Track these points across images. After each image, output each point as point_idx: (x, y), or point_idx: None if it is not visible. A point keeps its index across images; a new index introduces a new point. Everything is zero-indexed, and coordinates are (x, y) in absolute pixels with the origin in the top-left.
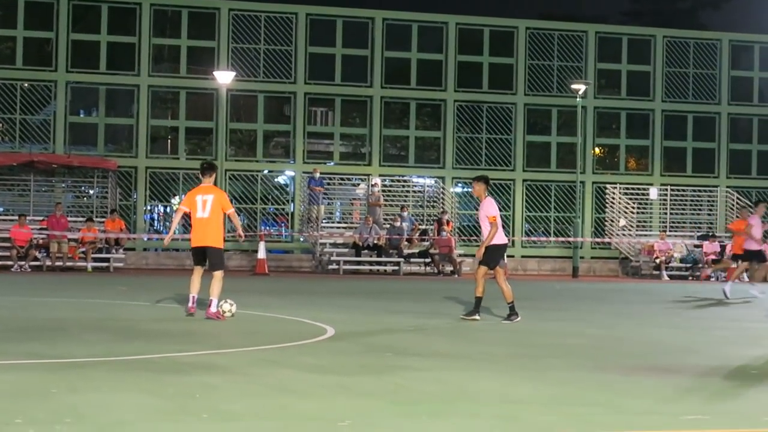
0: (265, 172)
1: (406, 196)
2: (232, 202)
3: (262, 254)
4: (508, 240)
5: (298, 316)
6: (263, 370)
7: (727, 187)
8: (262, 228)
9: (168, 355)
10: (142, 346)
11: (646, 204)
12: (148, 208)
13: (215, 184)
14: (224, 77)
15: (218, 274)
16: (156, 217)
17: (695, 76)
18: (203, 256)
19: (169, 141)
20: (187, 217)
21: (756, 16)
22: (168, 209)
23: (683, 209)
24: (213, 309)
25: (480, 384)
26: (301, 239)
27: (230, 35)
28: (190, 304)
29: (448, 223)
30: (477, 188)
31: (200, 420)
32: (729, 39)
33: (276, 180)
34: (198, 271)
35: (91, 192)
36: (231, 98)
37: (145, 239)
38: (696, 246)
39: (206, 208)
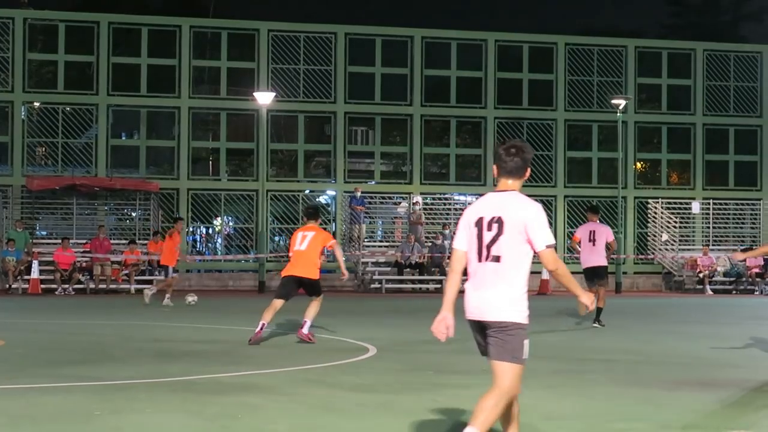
0: (307, 191)
1: (448, 214)
2: (273, 222)
3: None
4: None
5: (339, 336)
6: (305, 389)
7: None
8: None
9: (210, 376)
10: (183, 367)
11: (689, 218)
12: (191, 229)
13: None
14: (264, 98)
15: (317, 300)
16: (198, 239)
17: (736, 89)
18: (297, 285)
19: (210, 162)
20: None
21: None
22: (210, 230)
23: (726, 223)
24: (305, 330)
25: (522, 400)
26: (343, 259)
27: (270, 56)
28: (257, 330)
29: None
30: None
31: None
32: None
33: (317, 199)
34: (278, 304)
35: (134, 214)
36: (271, 119)
37: (188, 260)
38: (740, 260)
39: (305, 242)
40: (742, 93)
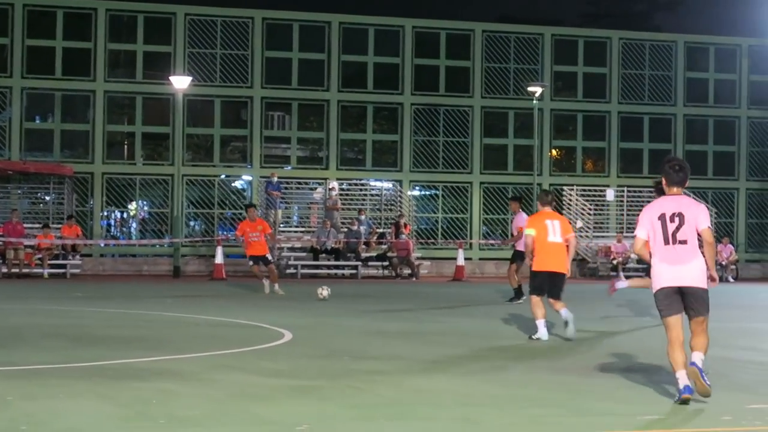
0: (222, 176)
1: (364, 200)
2: (188, 207)
3: (219, 259)
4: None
5: (256, 321)
6: (221, 375)
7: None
8: (220, 233)
9: (125, 361)
10: (98, 352)
11: (603, 205)
12: (105, 213)
13: None
14: (180, 82)
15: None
16: (113, 223)
17: (651, 77)
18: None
19: (125, 146)
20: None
21: (710, 17)
22: (125, 215)
23: (640, 210)
24: None
25: (438, 387)
26: None
27: (186, 40)
28: None
29: (405, 226)
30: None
31: (157, 426)
32: (684, 41)
33: (233, 185)
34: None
35: (48, 198)
36: (187, 103)
37: (102, 245)
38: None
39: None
40: (656, 82)
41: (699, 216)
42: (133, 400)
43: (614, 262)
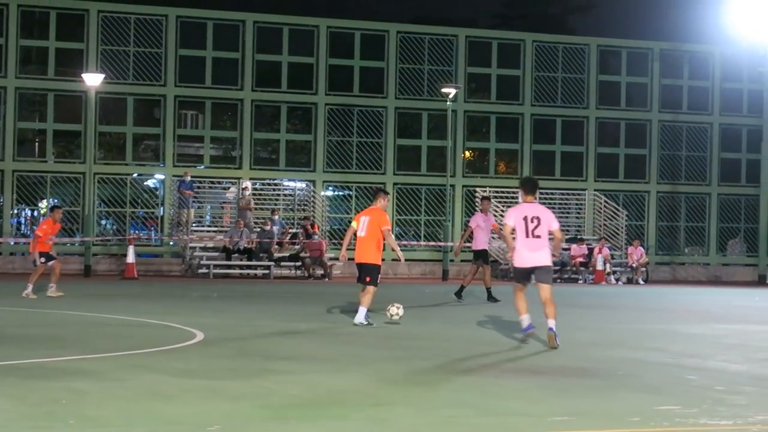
0: (135, 175)
1: (277, 200)
2: (100, 206)
3: (131, 258)
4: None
5: (167, 321)
6: (132, 375)
7: (595, 190)
8: (132, 232)
9: (34, 361)
10: (6, 351)
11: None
12: (15, 211)
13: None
14: (93, 79)
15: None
16: (23, 221)
17: (564, 80)
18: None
19: (36, 144)
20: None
21: (623, 21)
22: (35, 213)
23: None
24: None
25: (349, 386)
26: (171, 243)
27: (99, 37)
28: None
29: (313, 226)
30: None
31: (67, 426)
32: (597, 44)
33: (145, 183)
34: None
35: None
36: (100, 101)
37: (12, 243)
38: (564, 249)
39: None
40: (569, 84)
41: (551, 219)
42: (42, 400)
43: None
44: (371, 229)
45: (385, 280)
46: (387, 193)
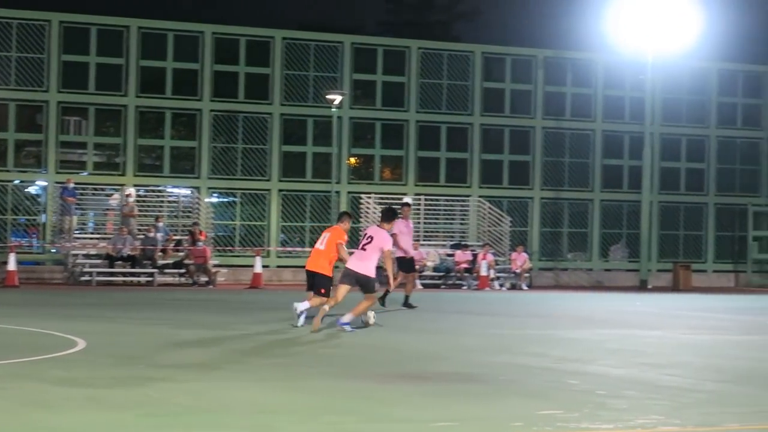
0: (16, 182)
1: (161, 207)
2: None
3: (12, 266)
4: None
5: (49, 329)
6: (11, 384)
7: (479, 196)
8: (13, 239)
9: None
10: None
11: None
12: None
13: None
14: None
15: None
16: None
17: (449, 87)
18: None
19: None
20: None
21: (508, 29)
22: None
23: (437, 219)
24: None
25: (234, 394)
26: (53, 250)
27: None
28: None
29: (201, 233)
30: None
31: None
32: (482, 51)
33: (27, 190)
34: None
35: None
36: None
37: None
38: (449, 255)
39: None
40: (454, 91)
41: (384, 241)
42: None
43: None
44: (330, 245)
45: (269, 286)
46: (351, 216)
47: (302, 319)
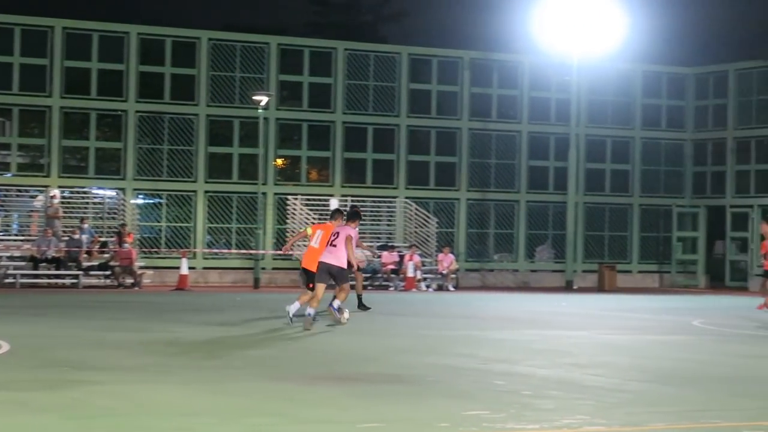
0: None
1: (86, 208)
2: None
3: None
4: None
5: None
6: None
7: (406, 197)
8: None
9: None
10: None
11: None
12: None
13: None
14: None
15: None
16: None
17: (375, 88)
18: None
19: None
20: None
21: (434, 30)
22: None
23: (363, 219)
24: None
25: (158, 397)
26: None
27: None
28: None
29: (129, 234)
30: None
31: None
32: (408, 52)
33: None
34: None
35: None
36: None
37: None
38: (376, 256)
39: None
40: (380, 92)
41: (349, 232)
42: None
43: None
44: (323, 243)
45: (195, 287)
46: (343, 213)
47: (313, 311)
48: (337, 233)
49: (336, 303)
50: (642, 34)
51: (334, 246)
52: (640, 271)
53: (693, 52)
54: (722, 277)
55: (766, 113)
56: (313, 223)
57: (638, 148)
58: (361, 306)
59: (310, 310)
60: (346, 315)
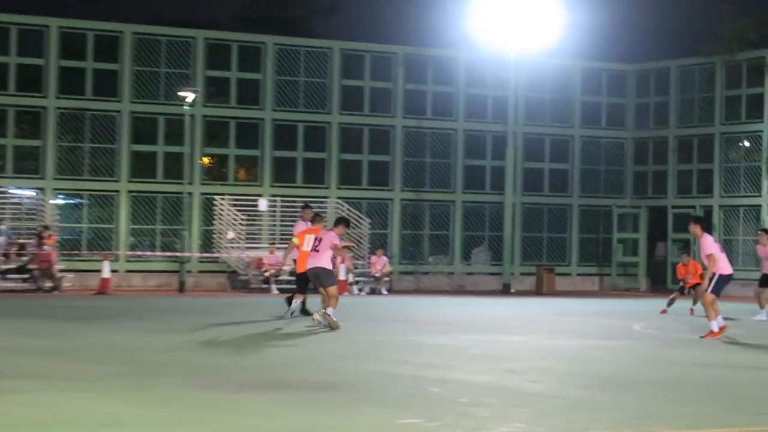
0: None
1: (4, 209)
2: None
3: None
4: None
5: None
6: None
7: (338, 198)
8: None
9: None
10: None
11: (256, 216)
12: None
13: None
14: None
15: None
16: None
17: (306, 84)
18: None
19: None
20: None
21: (367, 25)
22: None
23: (294, 221)
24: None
25: (80, 405)
26: None
27: None
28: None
29: (49, 237)
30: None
31: None
32: (340, 47)
33: None
34: None
35: None
36: None
37: None
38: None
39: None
40: (311, 89)
41: (332, 238)
42: None
43: (266, 274)
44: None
45: (118, 291)
46: (323, 217)
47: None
48: (320, 239)
49: (329, 311)
50: (581, 29)
51: (317, 251)
52: (579, 274)
53: (634, 48)
54: (664, 279)
55: (709, 111)
56: (299, 231)
57: (577, 146)
58: (304, 311)
59: (330, 310)
60: (316, 316)
